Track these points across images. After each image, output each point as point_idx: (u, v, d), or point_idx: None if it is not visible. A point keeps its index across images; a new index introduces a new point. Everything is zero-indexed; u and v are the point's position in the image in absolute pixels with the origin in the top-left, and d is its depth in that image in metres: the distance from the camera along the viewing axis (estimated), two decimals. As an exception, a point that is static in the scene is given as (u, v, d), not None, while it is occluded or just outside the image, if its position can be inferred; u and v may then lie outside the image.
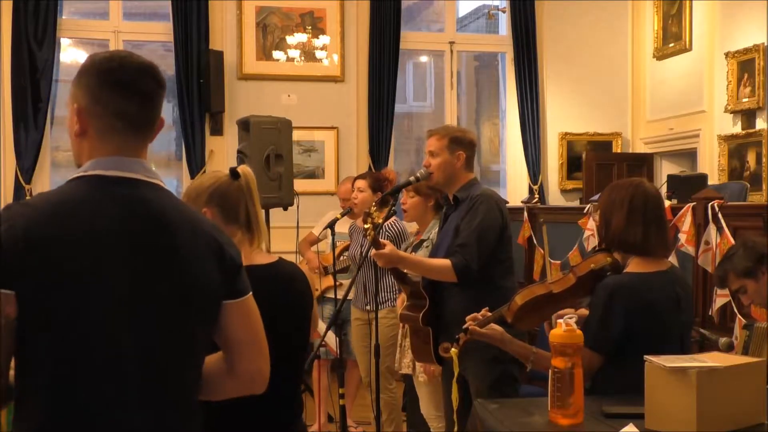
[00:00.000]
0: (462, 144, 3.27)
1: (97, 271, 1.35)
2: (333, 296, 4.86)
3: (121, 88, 1.46)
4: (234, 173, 2.11)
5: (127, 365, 1.37)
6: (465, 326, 2.61)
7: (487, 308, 2.65)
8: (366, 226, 3.09)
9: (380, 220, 3.19)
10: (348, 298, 3.71)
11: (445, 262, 3.10)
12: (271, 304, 1.79)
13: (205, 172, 6.96)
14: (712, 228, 4.02)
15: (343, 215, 4.74)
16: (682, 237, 4.18)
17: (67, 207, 1.38)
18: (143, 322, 1.39)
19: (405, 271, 3.29)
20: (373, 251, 3.12)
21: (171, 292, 1.42)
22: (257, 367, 1.59)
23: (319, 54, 6.84)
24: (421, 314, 3.20)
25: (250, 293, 1.57)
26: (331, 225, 4.56)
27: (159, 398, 1.41)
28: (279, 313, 2.00)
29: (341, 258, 4.91)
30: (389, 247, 3.11)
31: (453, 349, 2.62)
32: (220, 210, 2.07)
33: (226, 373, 1.58)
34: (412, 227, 4.62)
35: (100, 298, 1.35)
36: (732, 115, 6.68)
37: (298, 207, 4.77)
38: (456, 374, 2.62)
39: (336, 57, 7.25)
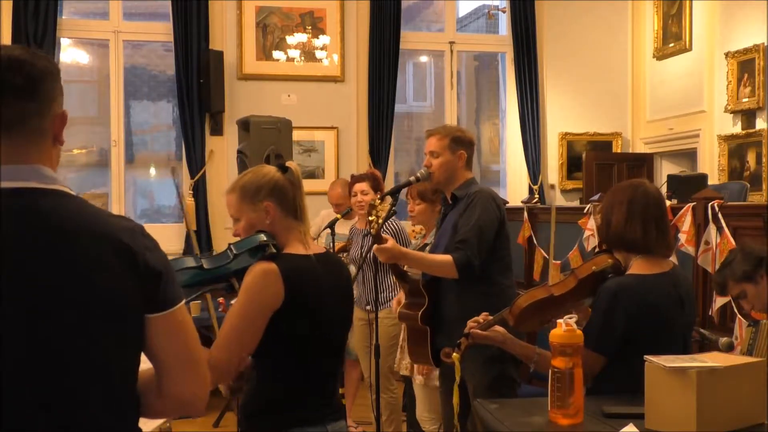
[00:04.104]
0: (462, 143, 3.27)
1: None
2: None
3: None
4: (283, 167, 2.18)
5: (24, 385, 1.27)
6: (466, 330, 2.61)
7: (487, 313, 2.65)
8: (371, 218, 3.08)
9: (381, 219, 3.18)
10: None
11: (446, 257, 3.10)
12: (342, 288, 2.18)
13: (205, 172, 6.97)
14: (712, 228, 4.02)
15: (343, 215, 4.73)
16: (682, 237, 4.18)
17: None
18: (41, 340, 1.28)
19: (405, 268, 3.28)
20: (375, 246, 3.11)
21: (70, 307, 1.29)
22: (188, 387, 1.44)
23: (319, 54, 6.84)
24: (419, 313, 3.19)
25: (180, 304, 1.42)
26: (331, 225, 4.56)
27: (68, 418, 1.31)
28: (346, 297, 2.23)
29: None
30: (391, 242, 3.11)
31: (455, 354, 2.62)
32: (279, 203, 2.14)
33: (156, 393, 1.44)
34: (407, 227, 4.62)
35: None
36: (732, 115, 6.68)
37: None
38: (457, 379, 2.62)
39: (336, 57, 7.25)
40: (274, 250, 2.09)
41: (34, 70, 1.34)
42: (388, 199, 3.37)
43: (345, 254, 4.87)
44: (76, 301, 1.30)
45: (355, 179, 4.72)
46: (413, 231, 4.56)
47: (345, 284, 2.25)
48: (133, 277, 1.35)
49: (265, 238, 2.10)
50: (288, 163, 2.20)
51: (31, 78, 1.33)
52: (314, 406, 2.12)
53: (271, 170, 2.19)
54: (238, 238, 2.17)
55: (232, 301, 2.11)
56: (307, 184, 7.23)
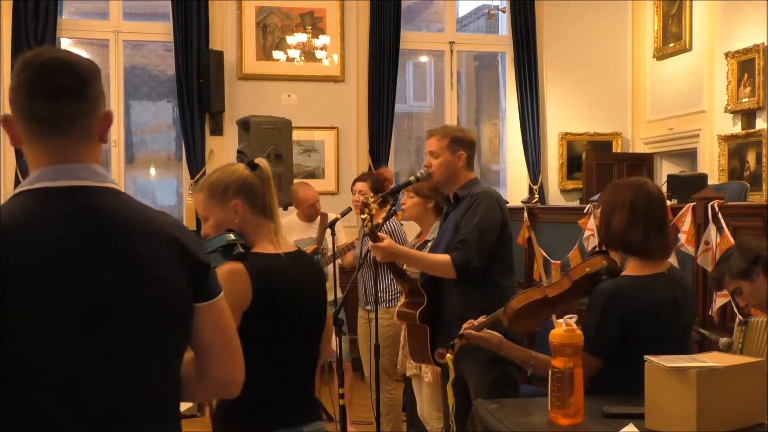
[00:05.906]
0: (462, 144, 3.26)
1: (53, 290, 1.26)
2: (333, 296, 4.85)
3: (28, 90, 1.34)
4: (252, 165, 2.15)
5: (85, 382, 1.29)
6: (461, 331, 2.61)
7: (484, 316, 2.65)
8: (363, 216, 3.06)
9: (380, 219, 3.18)
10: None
11: (445, 257, 3.08)
12: (314, 287, 2.14)
13: (205, 172, 6.97)
14: (712, 228, 4.03)
15: (343, 215, 4.74)
16: (682, 237, 4.18)
17: (15, 227, 1.27)
18: (104, 335, 1.30)
19: (404, 267, 3.28)
20: (370, 244, 3.10)
21: (132, 301, 1.33)
22: (228, 371, 1.52)
23: (319, 54, 6.84)
24: (418, 311, 3.19)
25: (221, 294, 1.50)
26: (331, 225, 4.57)
27: (125, 409, 1.33)
28: (319, 296, 2.20)
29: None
30: (387, 240, 3.09)
31: (448, 355, 2.62)
32: (248, 202, 2.10)
33: (197, 378, 1.51)
34: (408, 228, 4.62)
35: (57, 315, 1.26)
36: (732, 115, 6.68)
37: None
38: (451, 379, 2.62)
39: (336, 57, 7.25)
40: (242, 250, 2.05)
41: (83, 71, 1.37)
42: (385, 207, 3.36)
43: (320, 256, 4.83)
44: (134, 299, 1.34)
45: (357, 178, 4.76)
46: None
47: (317, 283, 2.21)
48: (184, 270, 1.41)
49: (233, 237, 2.06)
50: (257, 161, 2.16)
51: (81, 78, 1.36)
52: (288, 407, 2.09)
53: (239, 168, 2.15)
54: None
55: None
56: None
